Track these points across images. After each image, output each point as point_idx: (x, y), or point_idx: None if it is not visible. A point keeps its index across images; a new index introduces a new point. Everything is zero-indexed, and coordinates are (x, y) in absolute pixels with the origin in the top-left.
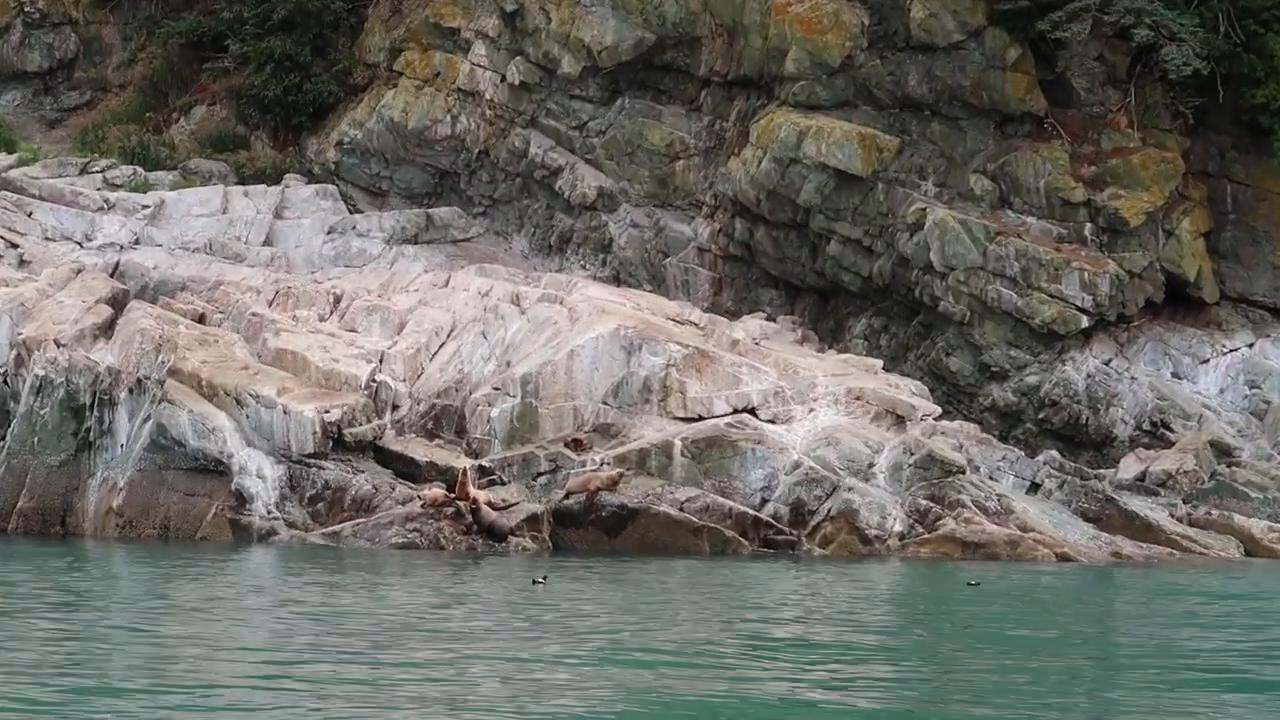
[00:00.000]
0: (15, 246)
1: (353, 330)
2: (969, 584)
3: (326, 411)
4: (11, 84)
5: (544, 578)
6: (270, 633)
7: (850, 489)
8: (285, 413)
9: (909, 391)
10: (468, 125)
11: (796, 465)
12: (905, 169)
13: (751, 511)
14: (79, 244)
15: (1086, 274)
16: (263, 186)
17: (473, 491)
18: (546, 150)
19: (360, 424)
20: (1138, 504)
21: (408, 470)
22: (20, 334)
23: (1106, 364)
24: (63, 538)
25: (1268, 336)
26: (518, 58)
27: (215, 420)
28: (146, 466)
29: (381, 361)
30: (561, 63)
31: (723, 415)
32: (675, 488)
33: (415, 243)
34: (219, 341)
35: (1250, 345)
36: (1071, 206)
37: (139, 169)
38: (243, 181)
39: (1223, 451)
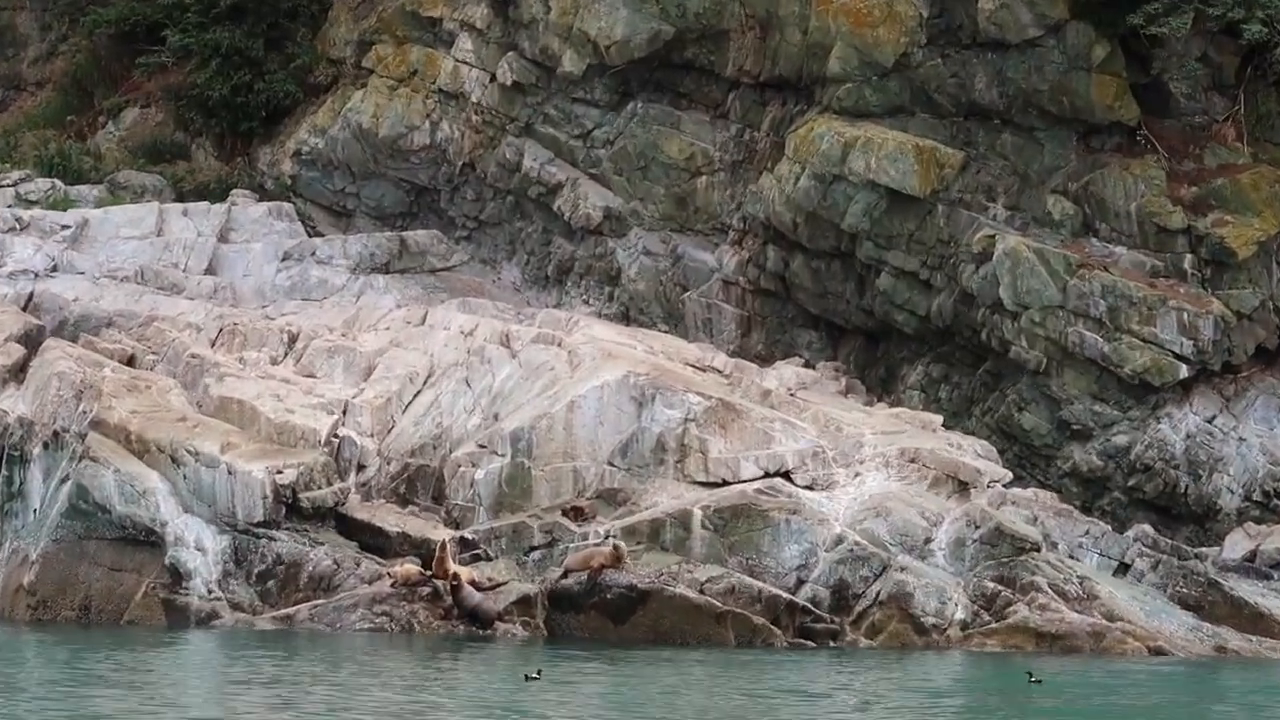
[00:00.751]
0: None
1: (311, 376)
2: (1030, 680)
3: (279, 472)
4: None
5: (538, 672)
6: None
7: (903, 569)
8: (230, 473)
9: (974, 453)
10: (450, 133)
11: (839, 540)
12: (970, 188)
13: (785, 595)
14: None
15: (1186, 315)
16: (205, 204)
17: (453, 568)
18: (544, 164)
19: (319, 487)
20: (1246, 589)
21: (375, 543)
22: None
23: (1210, 421)
24: None
25: None
26: (510, 54)
27: (146, 481)
28: (64, 536)
29: (345, 413)
30: (562, 60)
31: (751, 480)
32: (694, 565)
33: (386, 272)
34: (151, 388)
35: None
36: (1169, 235)
37: (58, 183)
38: (182, 198)
39: None
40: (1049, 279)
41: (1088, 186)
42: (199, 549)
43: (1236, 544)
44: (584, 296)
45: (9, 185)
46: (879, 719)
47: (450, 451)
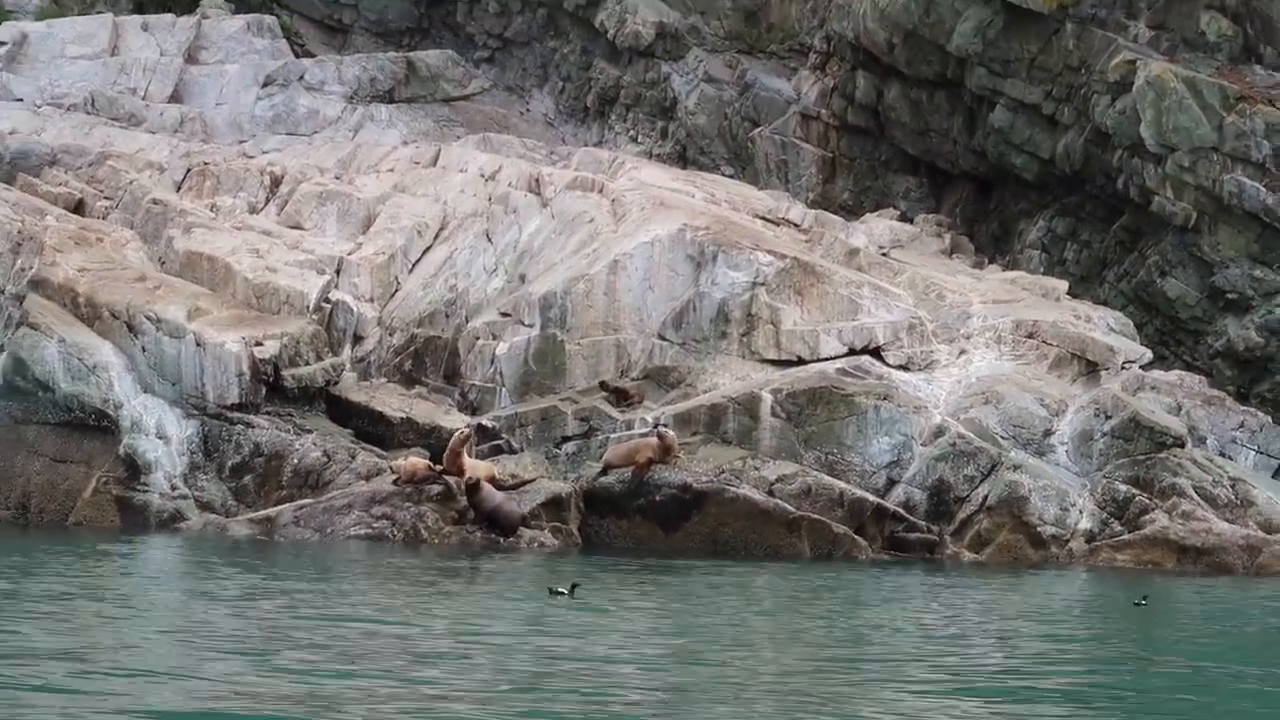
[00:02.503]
0: None
1: (298, 227)
2: (1136, 603)
3: (258, 344)
4: None
5: (571, 588)
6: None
7: (1017, 467)
8: (199, 345)
9: (1105, 327)
10: None
11: (940, 432)
12: (1106, 2)
13: (872, 498)
14: None
15: None
16: (170, 17)
17: (469, 463)
18: None
19: (307, 363)
20: None
21: (375, 430)
22: None
23: None
24: None
25: None
26: None
27: (97, 354)
28: None
29: (339, 273)
30: None
31: (834, 358)
32: (762, 461)
33: (390, 101)
34: (104, 240)
35: None
36: None
37: None
38: (141, 9)
39: None
40: (1201, 115)
41: (1250, 1)
42: (160, 436)
43: None
44: (631, 132)
45: None
46: (933, 645)
47: (466, 320)
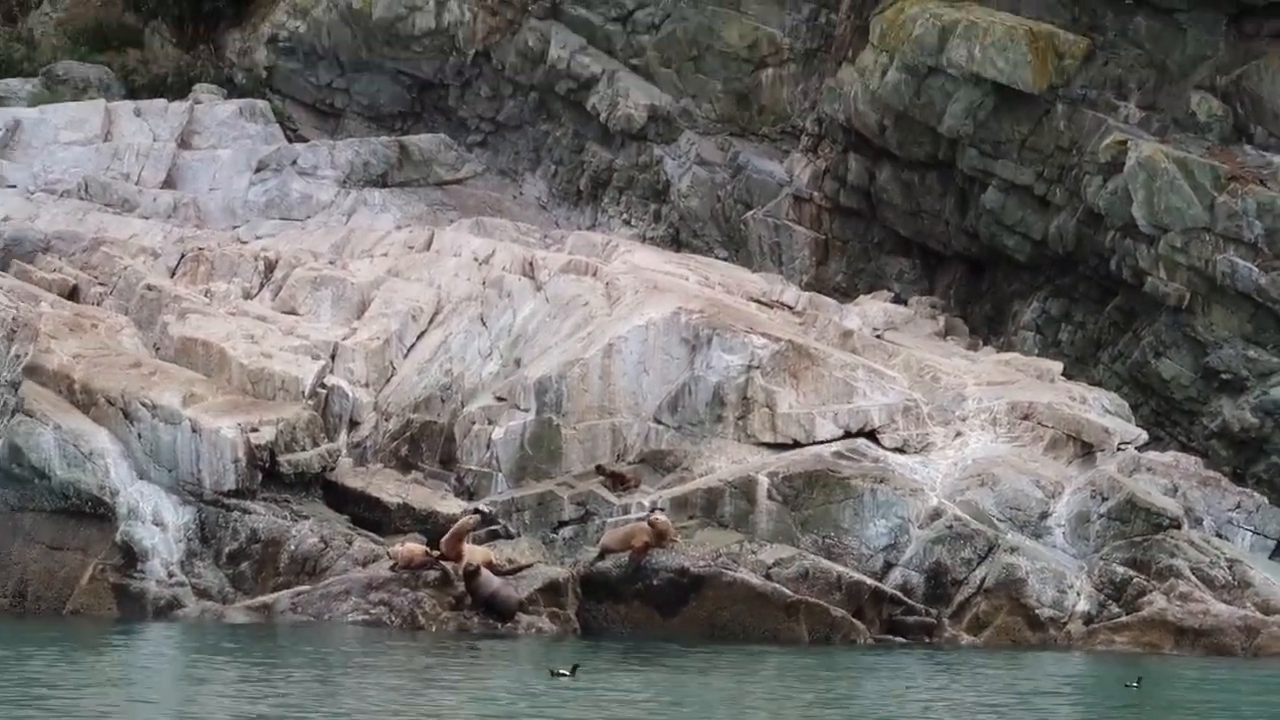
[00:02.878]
0: None
1: (293, 313)
2: (1128, 685)
3: (254, 430)
4: None
5: (572, 669)
6: None
7: (1014, 550)
8: (194, 431)
9: (1101, 408)
10: (460, 15)
11: (936, 514)
12: (1097, 83)
13: (870, 581)
14: None
15: None
16: (162, 102)
17: (467, 548)
18: (574, 53)
19: (303, 449)
20: None
21: (371, 516)
22: None
23: None
24: None
25: None
26: None
27: (93, 441)
28: None
29: (334, 358)
30: None
31: (829, 441)
32: (760, 545)
33: (383, 185)
34: (99, 326)
35: None
36: None
37: None
38: (133, 95)
39: None
40: (1193, 195)
41: (1240, 81)
42: (157, 524)
43: None
44: (624, 215)
45: None
46: None
47: (462, 405)
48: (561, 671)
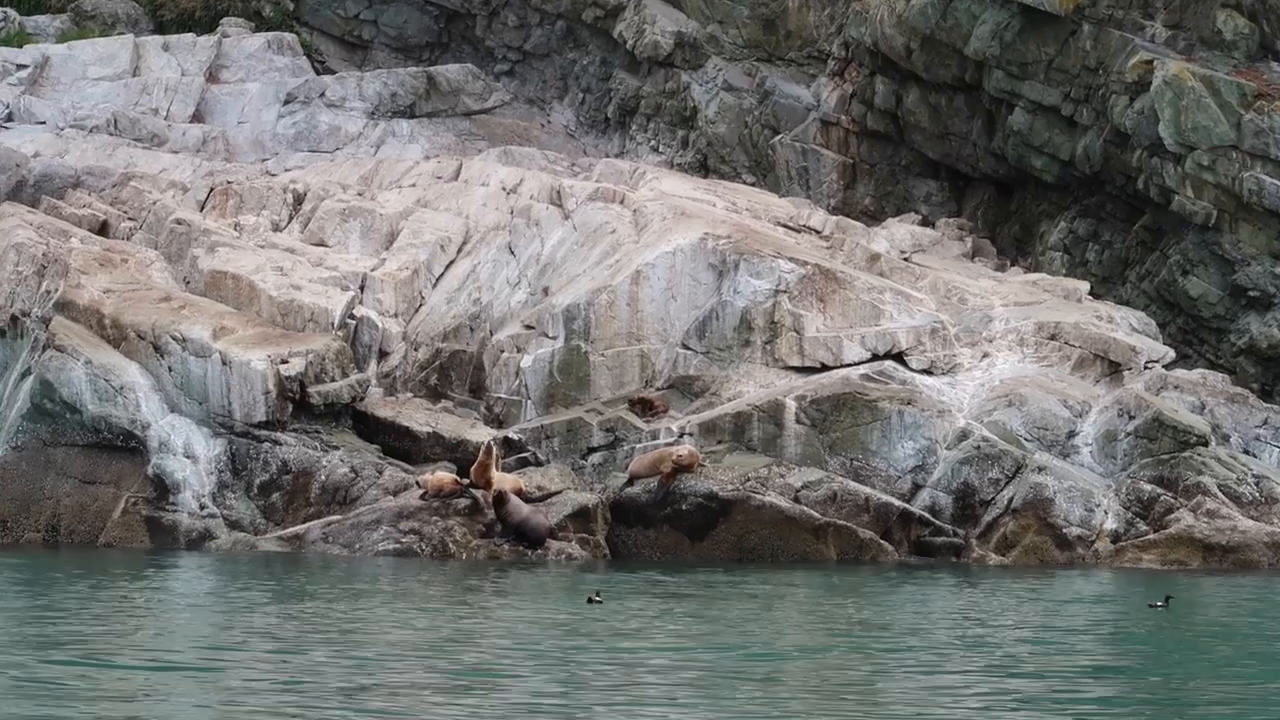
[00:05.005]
0: None
1: (321, 244)
2: (1152, 606)
3: (284, 362)
4: None
5: (597, 594)
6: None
7: (1041, 469)
8: (225, 364)
9: (1128, 327)
10: None
11: (964, 435)
12: (1123, 2)
13: (898, 503)
14: None
15: None
16: (190, 36)
17: (496, 476)
18: None
19: (332, 380)
20: None
21: (401, 445)
22: None
23: None
24: None
25: None
26: None
27: (124, 375)
28: (26, 443)
29: (363, 289)
30: None
31: (857, 364)
32: (788, 469)
33: (411, 116)
34: (129, 261)
35: None
36: None
37: (11, 12)
38: (161, 30)
39: None
40: (1219, 113)
41: None
42: (188, 456)
43: None
44: (652, 142)
45: None
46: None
47: (491, 334)
48: (596, 598)
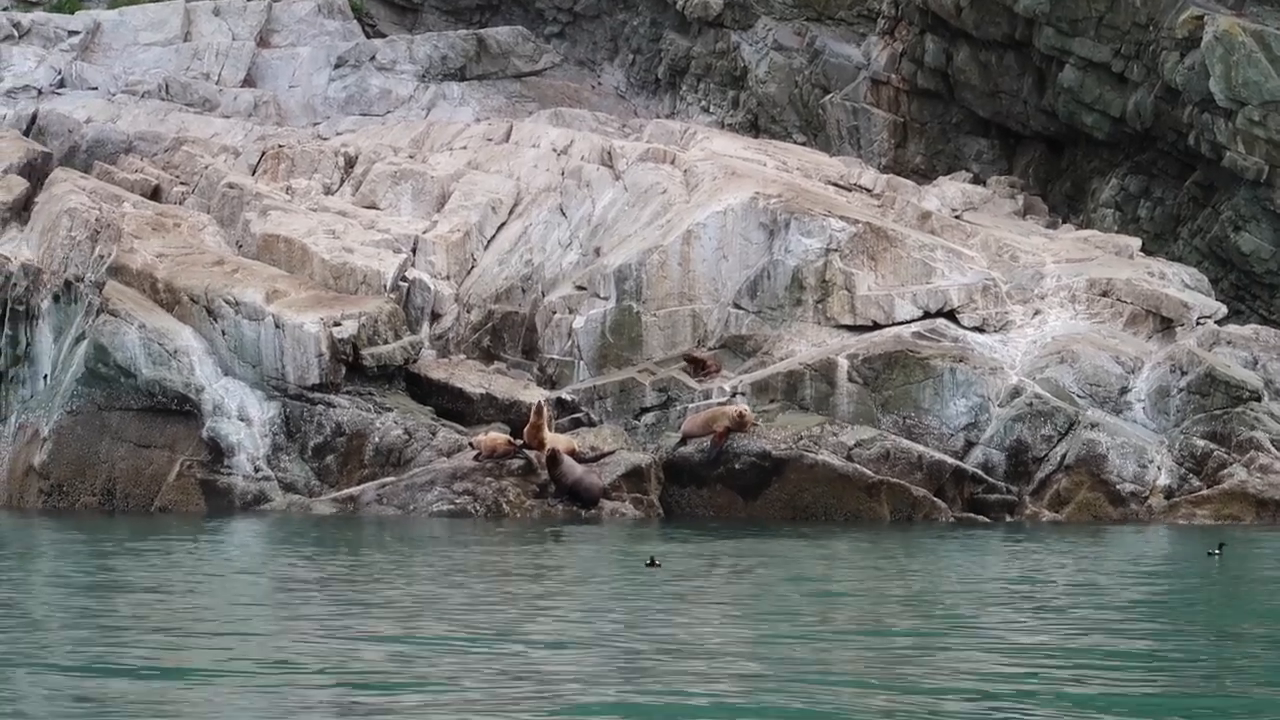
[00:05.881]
0: None
1: (373, 207)
2: (1210, 554)
3: (337, 324)
4: None
5: (651, 559)
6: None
7: (1094, 425)
8: (278, 327)
9: (1180, 283)
10: None
11: (1016, 392)
12: None
13: (951, 460)
14: None
15: None
16: (241, 1)
17: (549, 436)
18: None
19: (385, 342)
20: None
21: (455, 407)
22: None
23: None
24: None
25: None
26: None
27: (178, 339)
28: (81, 407)
29: (415, 251)
30: None
31: (909, 321)
32: (840, 427)
33: (462, 79)
34: (181, 225)
35: None
36: None
37: None
38: None
39: None
40: (1270, 68)
41: None
42: (243, 419)
43: None
44: (702, 103)
45: None
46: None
47: (543, 295)
48: (655, 561)
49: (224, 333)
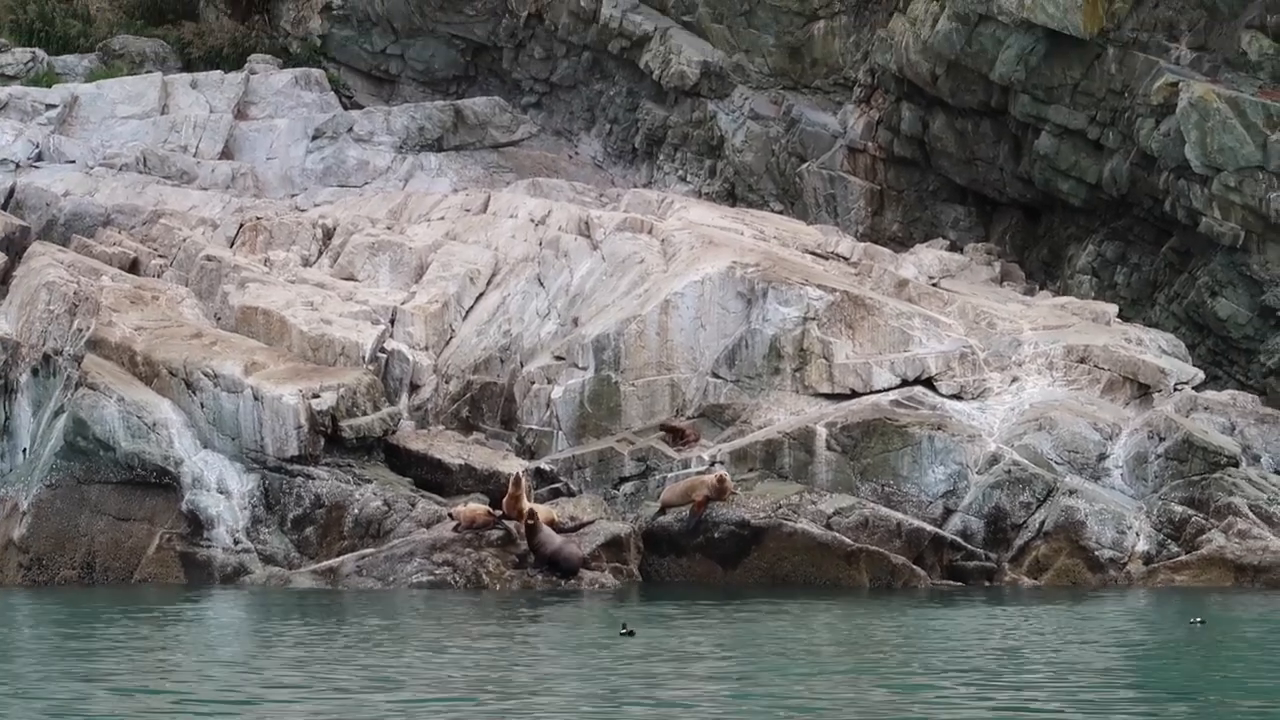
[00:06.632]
0: None
1: (351, 279)
2: (1192, 622)
3: (315, 396)
4: None
5: (624, 626)
6: None
7: (1073, 492)
8: (256, 399)
9: (1157, 349)
10: None
11: (994, 460)
12: (1147, 26)
13: (930, 528)
14: None
15: None
16: (218, 74)
17: (528, 506)
18: (626, 11)
19: (364, 413)
20: None
21: (433, 478)
22: None
23: None
24: None
25: None
26: None
27: (156, 412)
28: (60, 480)
29: (393, 322)
30: None
31: (887, 390)
32: (819, 495)
33: (439, 149)
34: (160, 298)
35: None
36: None
37: (39, 52)
38: (189, 67)
39: None
40: (1245, 134)
41: None
42: (222, 491)
43: None
44: (679, 172)
45: None
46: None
47: (521, 365)
48: (629, 629)
49: (203, 405)
